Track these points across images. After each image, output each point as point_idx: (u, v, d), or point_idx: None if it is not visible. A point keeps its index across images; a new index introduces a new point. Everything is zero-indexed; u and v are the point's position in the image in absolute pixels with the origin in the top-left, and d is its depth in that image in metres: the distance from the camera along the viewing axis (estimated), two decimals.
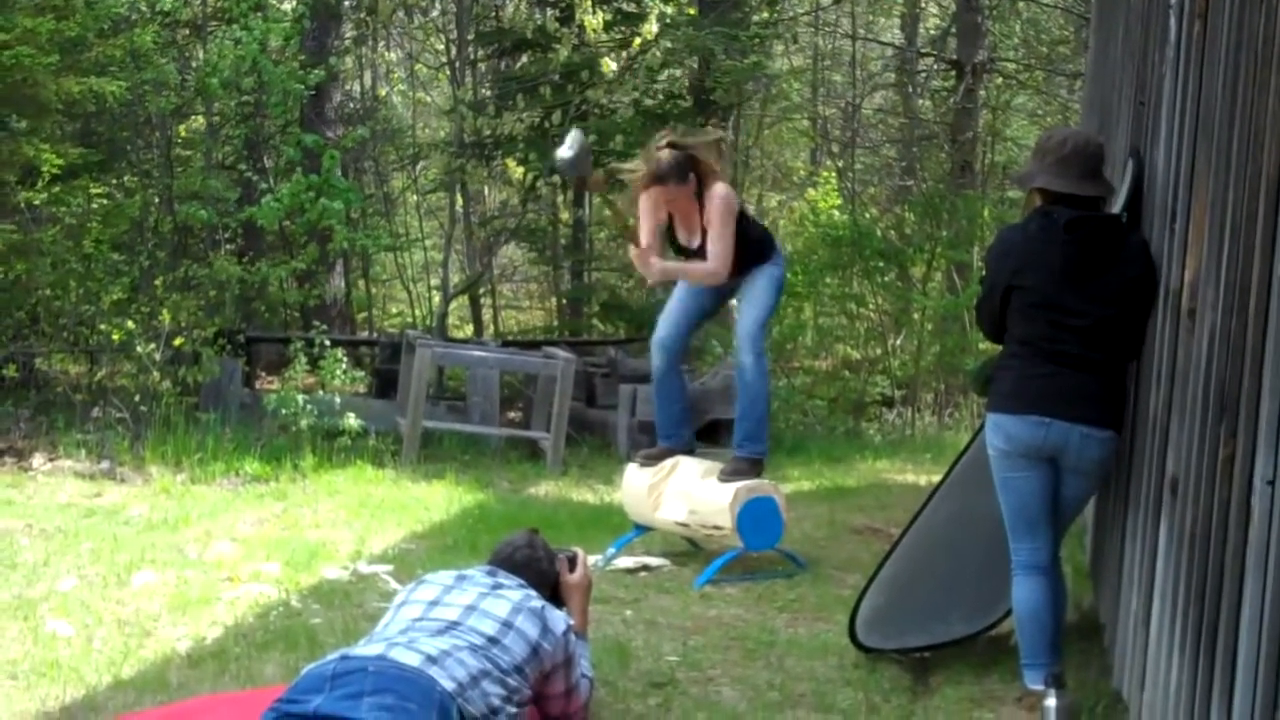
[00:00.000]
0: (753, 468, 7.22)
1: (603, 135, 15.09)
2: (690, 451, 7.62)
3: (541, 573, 4.66)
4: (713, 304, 7.62)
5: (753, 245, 7.32)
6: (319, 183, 13.07)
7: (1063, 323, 4.70)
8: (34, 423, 10.91)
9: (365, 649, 3.98)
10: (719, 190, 7.17)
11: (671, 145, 7.24)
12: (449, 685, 3.81)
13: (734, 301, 7.60)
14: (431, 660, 3.86)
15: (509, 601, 4.27)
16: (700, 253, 7.27)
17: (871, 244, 16.08)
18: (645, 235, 7.29)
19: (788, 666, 5.55)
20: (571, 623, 4.53)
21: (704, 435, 9.96)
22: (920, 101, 21.26)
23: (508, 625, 4.17)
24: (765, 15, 17.09)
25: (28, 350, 12.26)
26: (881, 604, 5.60)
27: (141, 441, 10.36)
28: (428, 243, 20.65)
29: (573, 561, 4.87)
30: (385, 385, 13.21)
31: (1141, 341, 4.75)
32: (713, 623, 6.22)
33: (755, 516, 6.94)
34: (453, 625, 4.10)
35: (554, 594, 4.71)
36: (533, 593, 4.41)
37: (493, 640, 4.09)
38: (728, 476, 7.13)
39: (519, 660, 4.12)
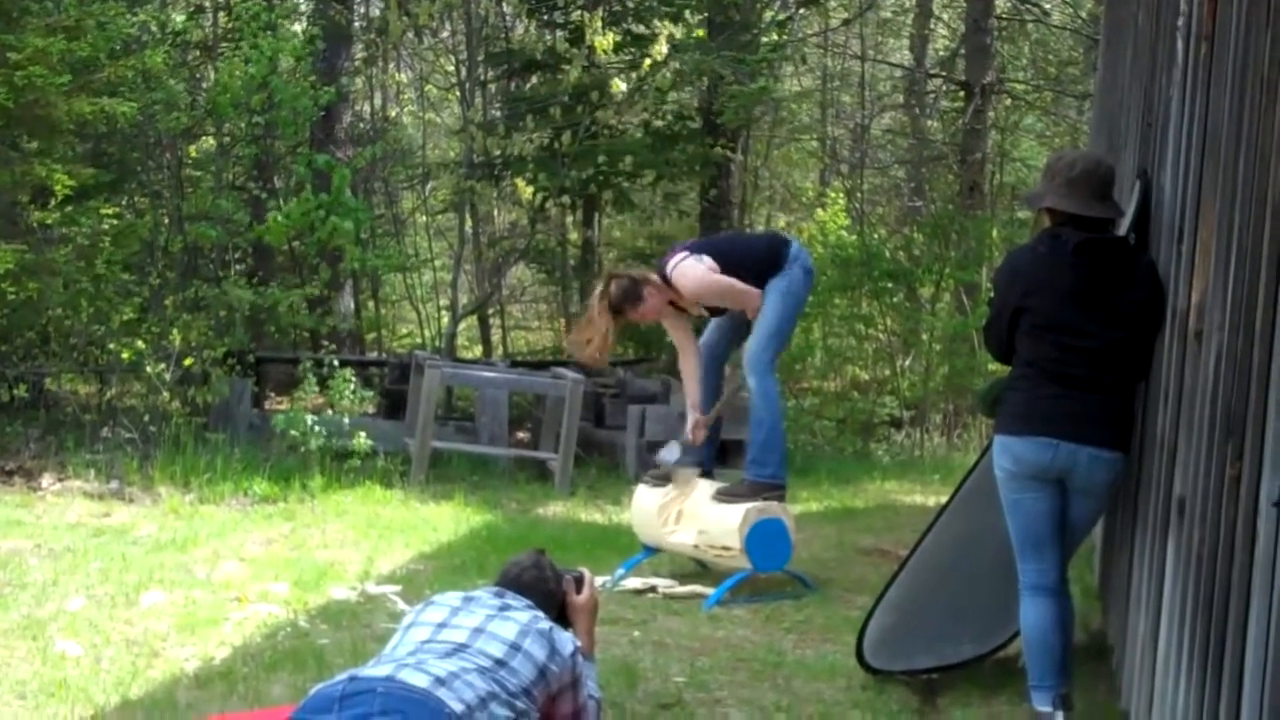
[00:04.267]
0: (754, 491, 7.15)
1: (612, 156, 15.13)
2: (707, 473, 7.61)
3: (549, 594, 4.65)
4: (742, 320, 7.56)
5: (761, 265, 7.28)
6: (329, 201, 13.11)
7: (1071, 344, 4.70)
8: (43, 443, 10.93)
9: (374, 670, 3.98)
10: (681, 280, 7.20)
11: (611, 278, 7.30)
12: (457, 707, 3.80)
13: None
14: (440, 682, 3.85)
15: (516, 624, 4.26)
16: (715, 313, 7.44)
17: (880, 265, 16.09)
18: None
19: (795, 688, 5.55)
20: (579, 644, 4.52)
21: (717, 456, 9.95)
22: (929, 122, 21.29)
23: (515, 648, 4.16)
24: (774, 37, 17.13)
25: (38, 370, 12.30)
26: (889, 625, 5.60)
27: (150, 461, 10.37)
28: (437, 263, 20.69)
29: (579, 582, 4.85)
30: (394, 406, 13.22)
31: (1149, 363, 4.75)
32: (721, 644, 6.21)
33: (764, 538, 6.94)
34: (461, 647, 4.09)
35: (561, 615, 4.70)
36: (540, 614, 4.40)
37: (500, 663, 4.09)
38: (722, 497, 7.12)
39: (526, 682, 4.11)
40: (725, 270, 7.21)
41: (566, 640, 4.40)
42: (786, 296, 7.25)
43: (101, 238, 11.84)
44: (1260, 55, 3.04)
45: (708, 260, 7.20)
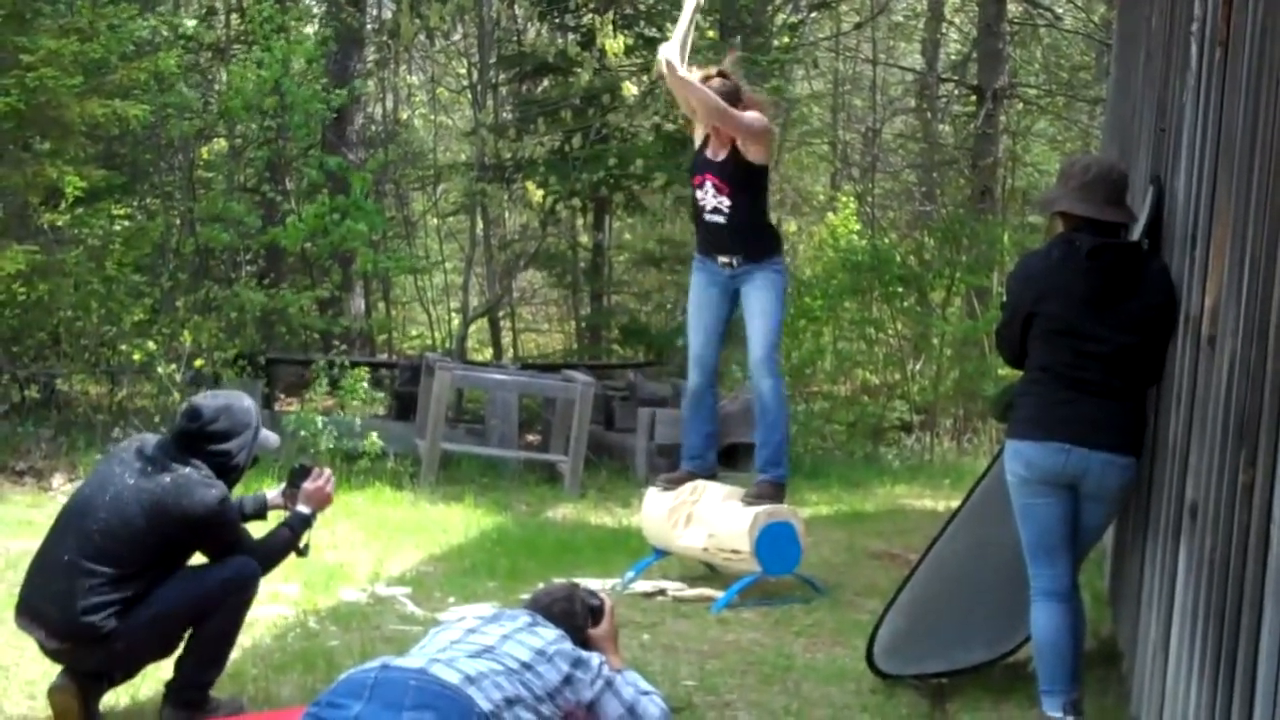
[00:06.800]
0: (777, 491, 7.23)
1: (623, 160, 15.13)
2: (712, 476, 7.62)
3: (576, 628, 4.63)
4: (728, 308, 7.54)
5: (765, 225, 7.53)
6: (345, 205, 13.11)
7: (1084, 350, 4.69)
8: (54, 443, 10.93)
9: (407, 661, 4.03)
10: (756, 118, 7.34)
11: (721, 75, 7.49)
12: (486, 707, 3.86)
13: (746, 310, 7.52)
14: (470, 680, 3.91)
15: (543, 639, 4.29)
16: (723, 166, 7.34)
17: (891, 269, 16.04)
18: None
19: (805, 692, 5.54)
20: (604, 658, 4.53)
21: (723, 459, 9.94)
22: (941, 126, 21.25)
23: (542, 654, 4.21)
24: (786, 40, 17.11)
25: (49, 371, 12.31)
26: (900, 629, 5.59)
27: None
28: (448, 265, 20.69)
29: (598, 612, 4.82)
30: (404, 407, 13.22)
31: (1162, 368, 4.74)
32: (730, 647, 6.21)
33: (774, 541, 6.93)
34: (488, 649, 4.13)
35: (584, 645, 4.69)
36: (567, 637, 4.42)
37: (526, 666, 4.12)
38: (752, 500, 7.13)
39: (551, 687, 4.14)
40: (762, 202, 7.53)
41: (593, 654, 4.43)
42: (784, 297, 7.56)
43: (113, 239, 11.85)
44: (1275, 60, 3.04)
45: None
